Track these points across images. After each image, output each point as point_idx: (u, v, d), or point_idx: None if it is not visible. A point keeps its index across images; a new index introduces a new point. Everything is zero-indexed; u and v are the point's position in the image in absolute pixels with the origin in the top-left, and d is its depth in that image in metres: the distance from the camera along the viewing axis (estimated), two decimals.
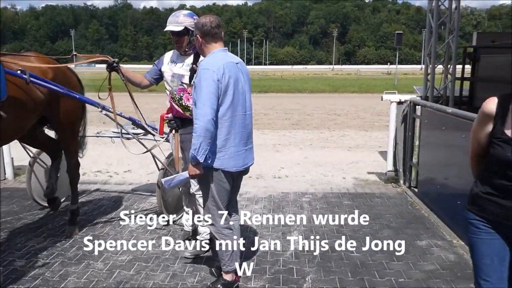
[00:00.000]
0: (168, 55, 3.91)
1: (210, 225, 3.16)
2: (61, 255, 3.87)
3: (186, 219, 4.22)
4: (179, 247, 3.97)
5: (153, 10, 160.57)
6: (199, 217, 3.91)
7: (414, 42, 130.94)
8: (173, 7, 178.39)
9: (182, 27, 3.61)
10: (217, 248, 3.17)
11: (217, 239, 3.14)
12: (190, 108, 3.39)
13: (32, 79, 3.67)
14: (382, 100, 6.15)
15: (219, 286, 3.22)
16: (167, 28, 3.66)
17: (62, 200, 5.14)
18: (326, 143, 9.85)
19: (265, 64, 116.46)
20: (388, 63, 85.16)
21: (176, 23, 3.63)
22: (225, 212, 3.14)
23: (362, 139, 10.38)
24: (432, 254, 3.87)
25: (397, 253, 3.84)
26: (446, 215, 4.60)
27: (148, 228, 4.51)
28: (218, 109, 2.86)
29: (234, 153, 2.98)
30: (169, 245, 4.02)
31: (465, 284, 3.31)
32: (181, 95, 3.43)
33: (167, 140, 4.22)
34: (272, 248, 3.98)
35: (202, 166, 2.92)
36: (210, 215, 3.12)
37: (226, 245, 3.13)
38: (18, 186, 5.97)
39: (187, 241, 4.09)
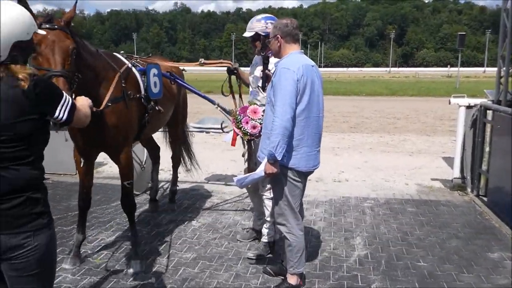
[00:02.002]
0: (254, 58, 4.02)
1: (281, 225, 3.15)
2: (128, 249, 4.02)
3: (253, 220, 4.30)
4: (242, 247, 4.03)
5: (210, 14, 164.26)
6: (263, 218, 3.99)
7: (477, 44, 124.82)
8: (229, 10, 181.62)
9: (253, 33, 3.74)
10: (287, 249, 3.17)
11: (288, 240, 3.14)
12: (249, 133, 3.48)
13: (176, 79, 4.44)
14: (450, 104, 5.90)
15: None
16: (245, 34, 3.82)
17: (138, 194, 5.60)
18: (387, 148, 9.59)
19: (320, 67, 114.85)
20: (448, 66, 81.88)
21: (249, 29, 3.78)
22: (298, 213, 3.15)
23: (424, 144, 10.01)
24: (505, 268, 3.66)
25: (467, 265, 3.69)
26: None
27: (210, 227, 4.61)
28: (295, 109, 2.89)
29: (306, 153, 3.01)
30: (231, 244, 4.09)
31: None
32: (241, 117, 3.52)
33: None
34: (335, 253, 3.95)
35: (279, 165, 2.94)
36: (282, 215, 3.12)
37: (297, 246, 3.13)
38: None
39: (251, 242, 4.15)
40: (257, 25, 3.73)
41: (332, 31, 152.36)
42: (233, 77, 4.22)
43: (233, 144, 3.82)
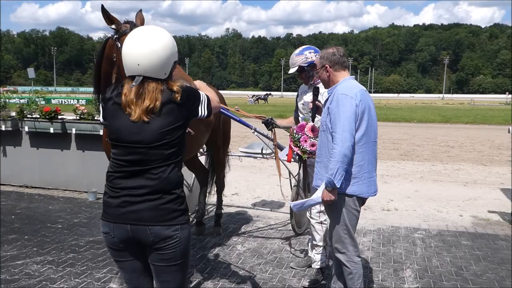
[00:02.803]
0: (301, 88, 4.13)
1: (341, 253, 3.09)
2: None
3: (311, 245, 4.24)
4: (287, 274, 3.97)
5: (260, 39, 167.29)
6: (314, 244, 3.95)
7: None
8: (280, 36, 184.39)
9: (296, 67, 3.87)
10: (347, 277, 3.10)
11: (348, 268, 3.07)
12: (308, 151, 3.48)
13: None
14: (509, 132, 5.62)
15: None
16: (290, 71, 3.95)
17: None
18: (439, 177, 9.21)
19: (370, 92, 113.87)
20: (507, 93, 78.32)
21: (292, 65, 3.93)
22: (355, 240, 3.10)
23: (480, 174, 9.53)
24: None
25: None
26: None
27: (255, 252, 4.57)
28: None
29: (367, 179, 2.97)
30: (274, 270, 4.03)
31: None
32: (299, 135, 3.52)
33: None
34: (383, 285, 3.81)
35: (338, 193, 2.91)
36: (342, 243, 3.07)
37: (357, 273, 3.07)
38: None
39: (299, 269, 4.12)
40: (297, 59, 3.85)
41: (383, 56, 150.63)
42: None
43: (289, 160, 3.86)
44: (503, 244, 4.89)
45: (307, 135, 3.50)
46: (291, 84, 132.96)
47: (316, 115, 3.58)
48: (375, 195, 3.11)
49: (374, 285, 3.80)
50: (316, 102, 3.54)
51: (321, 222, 3.76)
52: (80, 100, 38.05)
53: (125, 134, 2.01)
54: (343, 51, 3.09)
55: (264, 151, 5.17)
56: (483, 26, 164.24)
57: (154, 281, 2.19)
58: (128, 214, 2.00)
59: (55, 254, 4.40)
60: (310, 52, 3.82)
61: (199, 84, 2.56)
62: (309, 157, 3.59)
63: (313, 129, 3.50)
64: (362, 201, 3.08)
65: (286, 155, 3.85)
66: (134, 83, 2.00)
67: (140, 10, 3.11)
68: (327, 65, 3.05)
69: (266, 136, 4.48)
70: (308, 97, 3.82)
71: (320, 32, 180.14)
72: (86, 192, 6.73)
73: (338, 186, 2.84)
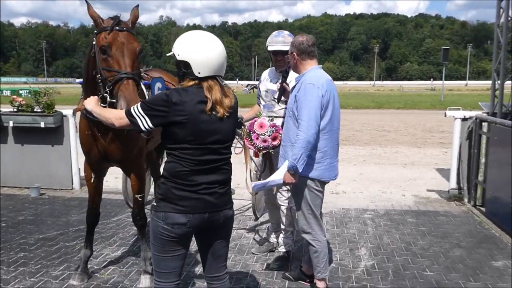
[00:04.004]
0: (265, 73, 4.06)
1: (306, 233, 3.27)
2: (135, 264, 3.99)
3: (268, 232, 4.37)
4: (250, 260, 4.04)
5: (196, 27, 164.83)
6: (279, 230, 4.08)
7: (459, 58, 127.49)
8: (215, 24, 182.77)
9: (288, 47, 3.50)
10: (313, 256, 3.28)
11: (314, 247, 3.25)
12: (261, 147, 3.57)
13: None
14: (445, 116, 6.03)
15: None
16: (273, 48, 3.71)
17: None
18: (380, 160, 9.71)
19: None
20: (431, 79, 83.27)
21: (283, 43, 3.67)
22: (321, 220, 3.29)
23: (417, 156, 10.16)
24: (510, 276, 3.73)
25: (473, 273, 3.76)
26: None
27: None
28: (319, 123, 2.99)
29: (329, 164, 3.14)
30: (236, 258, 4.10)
31: None
32: (251, 133, 3.57)
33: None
34: (342, 264, 3.99)
35: (301, 176, 3.04)
36: (307, 224, 3.24)
37: (322, 252, 3.26)
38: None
39: (265, 253, 4.22)
40: (290, 40, 3.56)
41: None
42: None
43: (256, 156, 3.88)
44: (444, 219, 5.28)
45: (257, 133, 3.56)
46: (228, 72, 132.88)
47: (282, 97, 3.62)
48: (335, 179, 3.29)
49: (334, 265, 3.97)
50: (284, 84, 3.59)
51: (290, 208, 3.87)
52: (4, 91, 35.66)
53: (206, 135, 2.18)
54: (313, 41, 3.17)
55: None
56: (409, 16, 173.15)
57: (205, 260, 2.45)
58: (207, 204, 2.23)
59: (4, 254, 4.17)
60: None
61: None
62: (266, 152, 3.65)
63: (262, 125, 3.56)
64: (325, 184, 3.25)
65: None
66: (223, 83, 2.22)
67: (137, 6, 3.02)
68: (295, 53, 3.13)
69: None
70: (273, 85, 3.84)
71: (255, 21, 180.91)
72: (28, 188, 6.38)
73: (300, 171, 2.96)
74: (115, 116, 2.34)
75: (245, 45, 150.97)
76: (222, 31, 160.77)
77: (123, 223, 5.15)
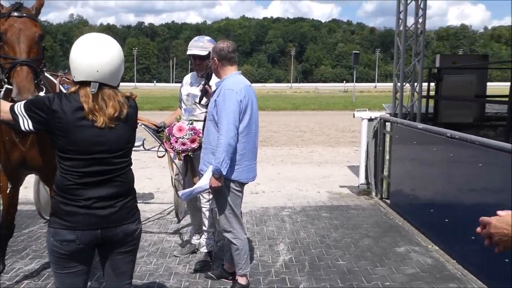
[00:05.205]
0: (187, 77, 4.12)
1: (228, 232, 3.39)
2: (51, 277, 3.85)
3: (191, 234, 4.46)
4: (172, 263, 4.09)
5: (110, 27, 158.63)
6: (201, 231, 4.18)
7: (368, 61, 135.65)
8: (131, 24, 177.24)
9: (207, 52, 3.72)
10: (234, 253, 3.42)
11: (235, 244, 3.39)
12: (180, 151, 3.65)
13: None
14: (354, 117, 6.50)
15: None
16: (191, 52, 3.81)
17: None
18: (296, 159, 10.15)
19: None
20: (344, 81, 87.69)
21: (201, 48, 3.79)
22: (241, 219, 3.45)
23: (330, 155, 10.76)
24: (411, 259, 4.17)
25: (379, 259, 4.13)
26: (419, 223, 4.94)
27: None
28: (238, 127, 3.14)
29: (247, 166, 3.30)
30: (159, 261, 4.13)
31: (444, 285, 3.63)
32: (170, 137, 3.64)
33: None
34: (262, 260, 4.18)
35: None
36: (228, 223, 3.36)
37: (243, 249, 3.41)
38: None
39: (185, 256, 4.27)
40: (209, 45, 3.72)
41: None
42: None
43: (179, 159, 3.91)
44: (354, 212, 5.70)
45: (176, 136, 3.64)
46: (145, 74, 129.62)
47: (204, 98, 3.72)
48: (254, 180, 3.48)
49: (254, 261, 4.14)
50: (206, 86, 3.68)
51: (211, 210, 3.97)
52: None
53: (88, 146, 2.03)
54: (233, 47, 3.31)
55: (145, 145, 5.02)
56: (323, 21, 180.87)
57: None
58: (98, 220, 2.08)
59: None
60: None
61: None
62: (187, 155, 3.74)
63: (180, 129, 3.65)
64: (244, 185, 3.42)
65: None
66: (93, 89, 1.99)
67: None
68: (216, 59, 3.25)
69: (155, 138, 4.41)
70: (194, 89, 3.92)
71: (173, 22, 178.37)
72: None
73: (225, 173, 3.09)
74: (3, 109, 2.13)
75: (162, 47, 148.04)
76: (138, 31, 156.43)
77: (36, 234, 4.93)
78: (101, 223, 2.08)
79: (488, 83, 8.84)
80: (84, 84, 2.03)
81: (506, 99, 6.14)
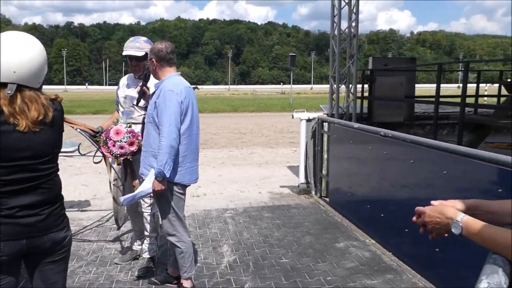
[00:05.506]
0: (124, 79, 4.00)
1: (171, 235, 3.34)
2: None
3: (132, 240, 4.33)
4: (113, 270, 3.96)
5: (36, 27, 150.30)
6: (143, 237, 4.09)
7: (304, 64, 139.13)
8: (59, 24, 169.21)
9: (143, 53, 3.67)
10: (179, 256, 3.38)
11: (179, 248, 3.35)
12: (118, 154, 3.56)
13: None
14: (293, 118, 6.65)
15: None
16: (127, 53, 3.71)
17: None
18: (237, 161, 10.20)
19: None
20: (281, 83, 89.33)
21: (137, 49, 3.71)
22: (184, 221, 3.40)
23: (270, 156, 10.92)
24: (350, 254, 4.34)
25: (320, 256, 4.26)
26: (357, 219, 5.15)
27: (73, 256, 4.39)
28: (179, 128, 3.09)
29: (189, 168, 3.27)
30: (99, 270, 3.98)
31: (382, 276, 3.82)
32: (107, 140, 3.55)
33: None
34: (206, 262, 4.16)
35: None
36: (172, 226, 3.31)
37: (188, 252, 3.38)
38: None
39: (129, 262, 4.17)
40: (146, 46, 3.67)
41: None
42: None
43: (118, 164, 3.79)
44: (295, 211, 5.83)
45: (114, 140, 3.55)
46: (76, 76, 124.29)
47: (142, 100, 3.64)
48: (196, 182, 3.45)
49: (199, 264, 4.12)
50: (144, 88, 3.60)
51: (153, 214, 3.89)
52: None
53: (11, 152, 1.90)
54: (172, 48, 3.26)
55: (81, 150, 4.85)
56: (259, 23, 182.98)
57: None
58: (23, 229, 1.97)
59: None
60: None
61: None
62: (125, 159, 3.65)
63: (118, 132, 3.56)
64: (186, 187, 3.38)
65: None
66: (9, 91, 1.85)
67: None
68: (154, 60, 3.19)
69: (92, 142, 4.24)
70: (131, 91, 3.83)
71: (104, 22, 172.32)
72: None
73: (168, 176, 3.05)
74: None
75: (94, 48, 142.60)
76: (67, 32, 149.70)
77: None
78: (26, 232, 1.97)
79: (416, 85, 9.42)
80: (2, 85, 1.90)
81: (433, 99, 6.55)
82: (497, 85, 9.55)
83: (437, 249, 3.48)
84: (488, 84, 23.68)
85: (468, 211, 1.39)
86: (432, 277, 3.65)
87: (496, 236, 1.22)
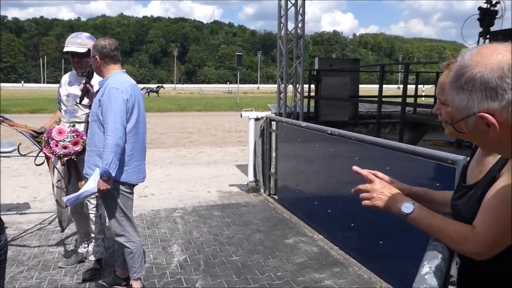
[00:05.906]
0: (65, 77, 3.85)
1: (120, 236, 3.26)
2: None
3: (78, 243, 4.18)
4: (57, 275, 3.82)
5: None
6: (89, 239, 3.98)
7: (251, 63, 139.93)
8: None
9: (86, 49, 3.55)
10: (128, 257, 3.30)
11: (129, 248, 3.27)
12: (62, 155, 3.45)
13: None
14: (241, 117, 6.69)
15: None
16: (68, 49, 3.57)
17: None
18: (185, 160, 10.09)
19: None
20: (228, 82, 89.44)
21: (79, 45, 3.58)
22: (133, 221, 3.33)
23: (218, 155, 10.90)
24: (299, 249, 4.44)
25: (270, 252, 4.33)
26: (304, 215, 5.28)
27: (13, 261, 4.18)
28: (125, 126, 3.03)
29: (136, 167, 3.22)
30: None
31: (330, 270, 3.94)
32: (49, 141, 3.42)
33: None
34: (156, 263, 4.11)
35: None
36: (120, 226, 3.23)
37: (137, 252, 3.31)
38: None
39: (74, 265, 4.02)
40: (89, 42, 3.57)
41: None
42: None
43: (62, 164, 3.64)
44: (245, 209, 5.88)
45: (56, 139, 3.43)
46: (10, 74, 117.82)
47: (86, 98, 3.53)
48: (144, 181, 3.40)
49: (148, 264, 4.04)
50: (87, 85, 3.49)
51: (100, 215, 3.78)
52: None
53: None
54: (116, 45, 3.18)
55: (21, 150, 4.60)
56: (205, 22, 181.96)
57: None
58: None
59: None
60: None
61: None
62: (69, 159, 3.53)
63: (61, 131, 3.45)
64: (134, 186, 3.32)
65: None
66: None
67: None
68: (97, 57, 3.11)
69: (34, 142, 4.04)
70: (74, 89, 3.70)
71: (41, 17, 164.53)
72: None
73: (114, 175, 2.98)
74: None
75: (30, 44, 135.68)
76: (0, 26, 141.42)
77: None
78: None
79: (360, 85, 9.78)
80: None
81: (376, 99, 6.83)
82: (433, 86, 10.12)
83: (380, 242, 3.65)
84: (425, 85, 25.03)
85: (411, 196, 1.48)
86: (376, 268, 3.82)
87: (447, 226, 1.30)
